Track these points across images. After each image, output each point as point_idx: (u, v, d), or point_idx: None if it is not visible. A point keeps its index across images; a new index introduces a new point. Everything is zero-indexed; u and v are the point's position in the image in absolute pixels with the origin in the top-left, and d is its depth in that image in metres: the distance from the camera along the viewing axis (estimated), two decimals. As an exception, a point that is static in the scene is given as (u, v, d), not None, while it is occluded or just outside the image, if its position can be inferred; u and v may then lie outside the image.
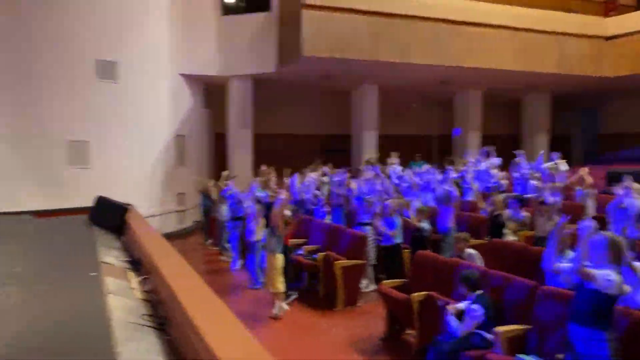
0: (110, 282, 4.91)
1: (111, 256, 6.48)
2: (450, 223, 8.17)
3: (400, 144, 17.31)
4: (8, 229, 8.94)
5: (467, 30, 14.36)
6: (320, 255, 8.05)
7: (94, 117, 12.11)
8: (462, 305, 4.95)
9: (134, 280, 5.38)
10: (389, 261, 8.05)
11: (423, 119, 20.23)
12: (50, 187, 11.38)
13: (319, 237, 9.05)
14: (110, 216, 8.61)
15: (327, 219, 9.81)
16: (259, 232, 8.50)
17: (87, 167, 12.06)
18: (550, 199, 7.86)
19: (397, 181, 11.50)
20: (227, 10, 14.66)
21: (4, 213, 10.18)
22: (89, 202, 9.47)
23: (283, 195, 7.65)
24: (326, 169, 12.53)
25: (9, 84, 10.97)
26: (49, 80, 11.50)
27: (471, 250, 6.35)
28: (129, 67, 12.69)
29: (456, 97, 18.36)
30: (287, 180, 11.99)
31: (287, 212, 7.37)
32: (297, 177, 11.70)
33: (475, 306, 4.81)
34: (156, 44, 13.50)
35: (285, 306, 7.16)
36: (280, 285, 7.06)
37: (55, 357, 3.23)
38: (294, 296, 7.82)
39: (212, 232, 12.43)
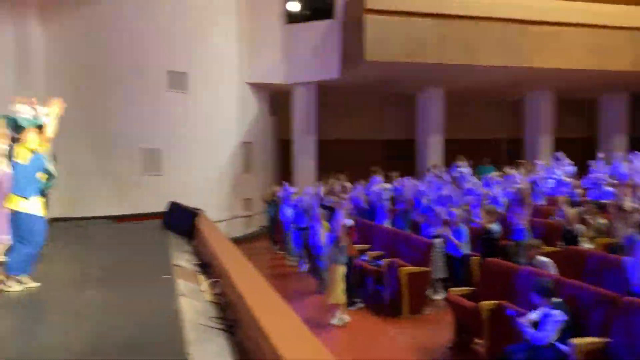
0: (182, 285, 5.12)
1: (183, 259, 6.75)
2: (525, 226, 7.79)
3: (468, 148, 16.89)
4: (89, 233, 9.53)
5: (537, 29, 13.82)
6: (384, 261, 7.98)
7: (166, 126, 12.67)
8: (534, 315, 4.75)
9: (204, 283, 5.57)
10: (456, 272, 7.88)
11: (491, 122, 19.63)
12: (127, 193, 12.00)
13: (383, 243, 8.98)
14: (181, 221, 8.97)
15: (387, 224, 9.74)
16: (323, 233, 8.56)
17: (160, 174, 12.62)
18: (629, 204, 7.39)
19: (466, 187, 11.21)
20: (292, 19, 14.91)
21: (85, 218, 10.86)
22: (162, 207, 9.95)
23: (344, 206, 7.66)
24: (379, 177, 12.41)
25: (89, 97, 11.66)
26: (124, 92, 12.15)
27: (544, 258, 6.09)
28: (198, 77, 13.19)
29: (526, 99, 17.69)
30: (349, 186, 12.04)
31: (348, 222, 7.34)
32: (361, 183, 11.68)
33: (555, 312, 4.57)
34: (223, 55, 13.94)
35: (346, 317, 7.10)
36: (342, 295, 7.02)
37: (131, 356, 3.40)
38: (360, 305, 7.76)
39: (278, 237, 12.64)
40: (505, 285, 5.87)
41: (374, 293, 8.30)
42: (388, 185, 11.66)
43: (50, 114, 5.10)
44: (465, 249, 7.88)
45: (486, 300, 5.62)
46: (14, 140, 5.29)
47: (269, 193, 13.02)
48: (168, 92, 12.75)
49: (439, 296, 7.89)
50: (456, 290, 6.47)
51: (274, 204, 12.50)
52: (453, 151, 15.51)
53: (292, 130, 15.63)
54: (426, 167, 14.77)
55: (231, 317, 4.45)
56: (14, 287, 4.94)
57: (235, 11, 14.24)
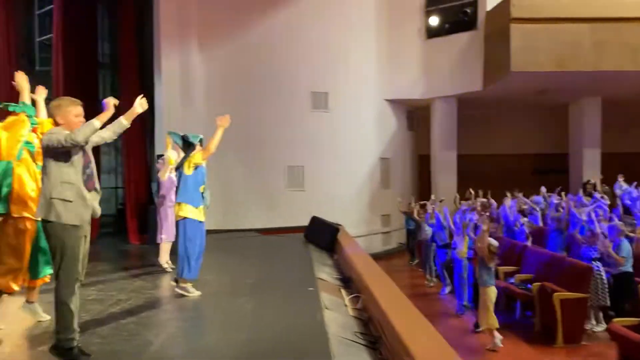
0: (326, 298, 5.24)
1: (324, 273, 6.94)
2: None
3: (630, 163, 15.20)
4: (239, 244, 10.25)
5: None
6: (534, 285, 7.43)
7: (308, 144, 13.21)
8: None
9: (346, 297, 5.66)
10: (618, 294, 7.07)
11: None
12: (272, 207, 12.69)
13: (533, 265, 8.36)
14: (323, 235, 9.26)
15: (528, 243, 9.10)
16: (464, 249, 8.24)
17: (303, 190, 13.17)
18: None
19: (628, 202, 10.08)
20: (431, 33, 14.74)
21: (236, 230, 11.70)
22: (304, 221, 10.36)
23: (485, 225, 7.29)
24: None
25: (241, 117, 12.45)
26: (272, 113, 12.92)
27: None
28: (338, 96, 13.60)
29: None
30: (493, 203, 11.50)
31: (493, 242, 6.94)
32: (507, 200, 11.06)
33: None
34: (362, 73, 14.20)
35: (499, 342, 6.70)
36: (492, 321, 6.65)
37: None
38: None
39: (417, 254, 12.45)
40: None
41: (522, 318, 7.78)
42: (538, 199, 10.92)
43: (217, 129, 5.61)
44: (627, 265, 7.06)
45: (659, 334, 4.97)
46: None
47: (406, 205, 12.89)
48: (311, 112, 13.32)
49: (600, 327, 7.13)
50: (621, 321, 5.80)
51: (413, 219, 12.33)
52: (613, 166, 14.06)
53: (431, 145, 15.37)
54: (581, 183, 13.59)
55: (374, 333, 4.45)
56: (184, 291, 5.45)
57: (374, 30, 14.45)
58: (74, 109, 3.59)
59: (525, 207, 11.01)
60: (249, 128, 12.41)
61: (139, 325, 4.46)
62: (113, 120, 3.68)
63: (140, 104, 3.74)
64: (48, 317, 4.36)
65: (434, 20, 14.76)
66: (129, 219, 10.94)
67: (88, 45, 11.79)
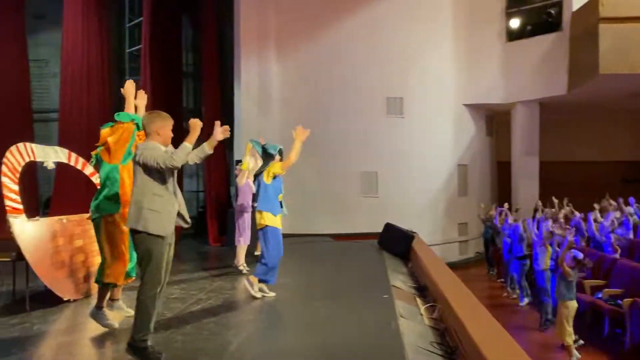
0: (401, 306, 5.18)
1: (399, 280, 6.86)
2: None
3: None
4: (313, 249, 10.36)
5: None
6: (625, 301, 6.95)
7: (383, 150, 13.11)
8: None
9: (422, 306, 5.56)
10: None
11: None
12: (345, 213, 12.70)
13: (624, 279, 7.84)
14: (397, 242, 9.16)
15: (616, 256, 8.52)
16: (546, 260, 7.85)
17: (376, 196, 13.09)
18: None
19: None
20: (513, 36, 14.22)
21: (308, 234, 11.83)
22: (377, 228, 10.30)
23: (569, 236, 6.92)
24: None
25: (315, 123, 12.59)
26: (346, 119, 12.97)
27: None
28: (414, 101, 13.40)
29: None
30: (578, 214, 10.89)
31: (578, 254, 6.54)
32: (593, 212, 10.45)
33: None
34: (439, 78, 13.91)
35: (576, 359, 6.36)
36: (568, 338, 6.32)
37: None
38: (580, 342, 6.91)
39: (496, 264, 12.02)
40: None
41: (611, 335, 7.30)
42: (630, 210, 10.23)
43: (295, 141, 5.74)
44: None
45: None
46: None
47: (485, 210, 12.47)
48: (386, 117, 13.22)
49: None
50: None
51: (491, 226, 11.92)
52: None
53: (511, 151, 14.79)
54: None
55: (451, 343, 4.35)
56: (258, 294, 5.59)
57: (452, 34, 14.13)
58: (169, 124, 3.75)
59: (617, 216, 10.29)
60: (323, 133, 12.52)
61: (219, 325, 4.62)
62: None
63: (221, 131, 3.75)
64: (132, 312, 4.61)
65: (515, 23, 14.24)
66: (209, 222, 11.38)
67: (173, 55, 12.43)
